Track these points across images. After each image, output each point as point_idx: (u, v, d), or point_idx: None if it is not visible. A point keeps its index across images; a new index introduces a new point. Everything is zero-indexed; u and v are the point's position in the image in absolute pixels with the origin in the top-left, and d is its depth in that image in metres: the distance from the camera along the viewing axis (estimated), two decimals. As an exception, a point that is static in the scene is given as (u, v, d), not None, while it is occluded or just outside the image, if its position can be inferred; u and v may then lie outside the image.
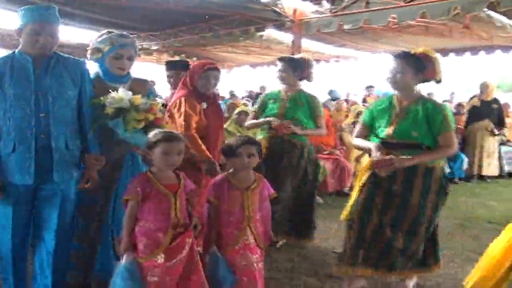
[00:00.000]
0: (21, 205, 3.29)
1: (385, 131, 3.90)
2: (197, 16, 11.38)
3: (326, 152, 8.02)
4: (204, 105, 4.43)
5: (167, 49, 14.80)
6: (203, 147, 4.21)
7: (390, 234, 3.81)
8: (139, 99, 3.40)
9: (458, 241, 5.59)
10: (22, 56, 3.25)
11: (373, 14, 9.33)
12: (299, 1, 10.47)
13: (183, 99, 4.31)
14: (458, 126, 10.16)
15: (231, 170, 3.37)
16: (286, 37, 12.75)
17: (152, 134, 3.10)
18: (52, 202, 3.34)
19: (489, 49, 13.30)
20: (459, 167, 9.63)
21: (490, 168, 9.97)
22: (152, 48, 14.38)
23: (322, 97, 10.33)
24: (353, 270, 3.87)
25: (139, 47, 10.34)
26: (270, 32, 12.33)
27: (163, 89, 10.77)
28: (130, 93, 3.41)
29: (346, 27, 9.91)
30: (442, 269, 4.57)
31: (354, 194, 3.99)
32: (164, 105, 4.70)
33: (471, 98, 10.54)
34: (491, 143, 9.92)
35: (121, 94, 3.37)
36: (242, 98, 14.45)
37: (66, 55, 3.44)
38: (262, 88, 16.09)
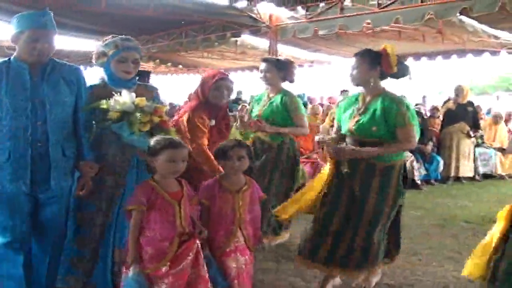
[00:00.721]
0: (17, 214, 3.22)
1: (347, 126, 3.96)
2: (174, 22, 11.44)
3: (304, 157, 8.10)
4: (213, 122, 4.21)
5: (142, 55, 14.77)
6: (212, 158, 3.84)
7: (351, 233, 3.85)
8: (143, 101, 3.37)
9: (436, 240, 5.69)
10: (18, 63, 3.20)
11: (348, 20, 9.52)
12: (275, 7, 10.59)
13: (191, 111, 4.14)
14: (433, 129, 10.38)
15: (222, 173, 3.40)
16: (261, 43, 12.89)
17: (155, 141, 3.03)
18: (48, 209, 3.31)
19: (461, 53, 13.60)
20: (435, 169, 9.80)
21: (466, 169, 10.17)
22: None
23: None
24: (314, 265, 3.94)
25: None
26: (245, 38, 12.46)
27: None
28: (134, 95, 3.39)
29: (321, 32, 10.09)
30: (422, 267, 4.71)
31: (316, 186, 4.03)
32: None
33: (446, 101, 10.68)
34: (466, 145, 10.09)
35: (125, 96, 3.35)
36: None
37: (61, 62, 3.41)
38: (239, 93, 16.19)
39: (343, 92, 15.15)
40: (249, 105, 7.00)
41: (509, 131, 11.76)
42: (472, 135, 10.04)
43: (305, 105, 11.74)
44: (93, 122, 3.45)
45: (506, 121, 11.92)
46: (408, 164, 8.34)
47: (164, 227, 2.92)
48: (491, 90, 32.90)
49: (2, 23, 9.61)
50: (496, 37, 11.35)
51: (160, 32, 12.85)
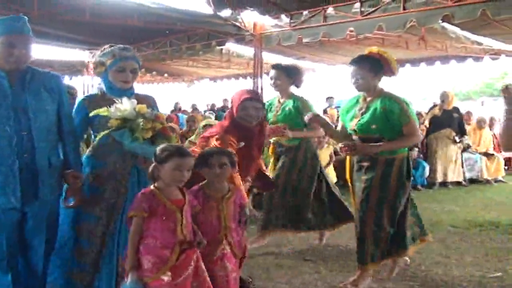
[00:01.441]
0: (4, 230, 3.10)
1: (350, 125, 4.32)
2: (159, 31, 11.46)
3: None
4: (241, 144, 3.85)
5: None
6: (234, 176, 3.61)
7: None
8: (144, 108, 3.32)
9: (423, 245, 5.71)
10: None
11: (331, 28, 9.58)
12: (259, 16, 10.64)
13: (222, 131, 3.89)
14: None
15: (205, 181, 3.32)
16: (246, 51, 12.95)
17: (162, 148, 2.96)
18: (38, 221, 3.21)
19: (445, 59, 13.73)
20: (420, 174, 9.87)
21: (454, 175, 10.25)
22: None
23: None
24: None
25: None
26: (230, 46, 12.52)
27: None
28: (135, 101, 3.34)
29: (305, 40, 10.15)
30: (409, 272, 4.72)
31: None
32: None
33: (431, 108, 10.72)
34: (453, 151, 10.17)
35: (126, 103, 3.30)
36: (205, 112, 14.49)
37: (40, 69, 3.31)
38: (225, 101, 16.22)
39: (328, 99, 15.26)
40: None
41: (493, 135, 11.86)
42: (458, 140, 10.11)
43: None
44: (91, 130, 3.41)
45: (490, 126, 12.01)
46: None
47: (165, 234, 2.87)
48: (476, 95, 33.21)
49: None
50: (478, 43, 11.48)
51: (145, 41, 12.88)
